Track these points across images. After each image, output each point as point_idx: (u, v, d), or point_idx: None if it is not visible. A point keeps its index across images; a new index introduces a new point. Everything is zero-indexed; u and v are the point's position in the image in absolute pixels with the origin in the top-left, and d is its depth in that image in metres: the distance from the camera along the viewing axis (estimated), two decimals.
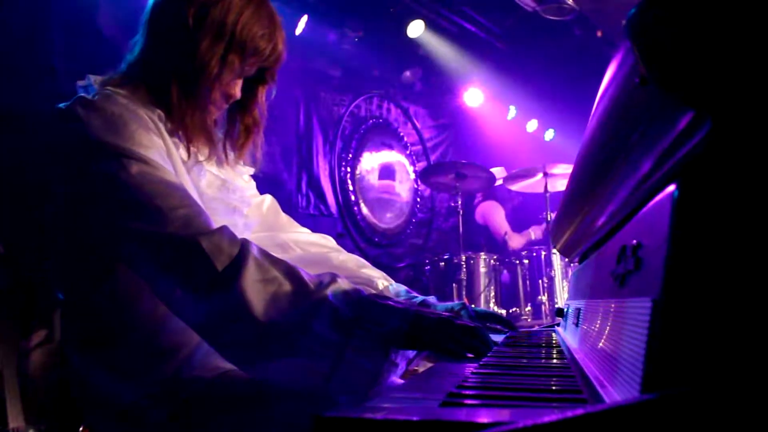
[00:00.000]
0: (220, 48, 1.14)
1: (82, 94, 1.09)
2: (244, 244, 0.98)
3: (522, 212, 5.40)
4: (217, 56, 1.14)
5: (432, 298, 1.38)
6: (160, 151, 1.07)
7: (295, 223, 1.52)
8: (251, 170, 1.40)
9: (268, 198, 1.49)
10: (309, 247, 1.47)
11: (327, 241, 1.51)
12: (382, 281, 1.45)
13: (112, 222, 1.01)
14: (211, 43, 1.13)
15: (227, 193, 1.27)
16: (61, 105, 1.07)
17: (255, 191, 1.44)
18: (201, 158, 1.21)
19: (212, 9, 1.13)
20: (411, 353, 1.03)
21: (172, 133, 1.15)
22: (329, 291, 0.97)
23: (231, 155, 1.32)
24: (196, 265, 0.96)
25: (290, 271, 0.99)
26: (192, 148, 1.18)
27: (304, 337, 0.93)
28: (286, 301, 0.95)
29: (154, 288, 1.02)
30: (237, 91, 1.22)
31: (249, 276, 0.94)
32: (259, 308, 0.93)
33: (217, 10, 1.14)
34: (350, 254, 1.51)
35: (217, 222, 1.03)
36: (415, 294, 1.41)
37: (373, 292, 1.40)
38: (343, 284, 1.00)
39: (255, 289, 0.94)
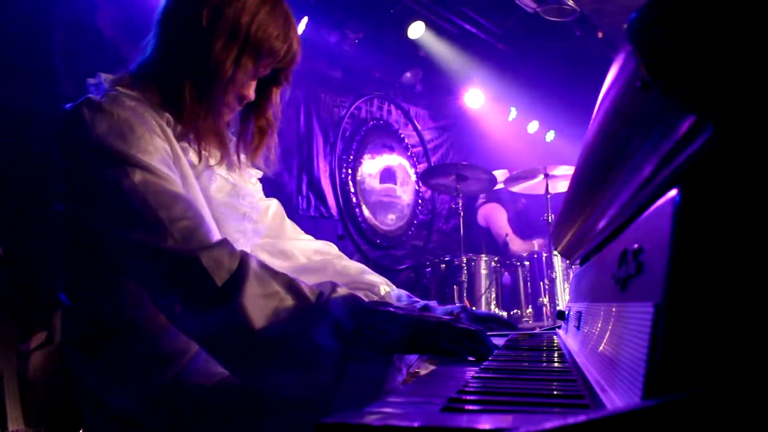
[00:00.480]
0: (235, 49, 1.12)
1: (90, 96, 1.07)
2: (244, 258, 0.97)
3: (525, 216, 5.40)
4: (231, 57, 1.11)
5: (433, 303, 1.38)
6: (166, 157, 1.06)
7: (299, 230, 1.52)
8: (259, 173, 1.38)
9: (274, 203, 1.48)
10: (312, 255, 1.47)
11: (330, 248, 1.51)
12: (384, 287, 1.45)
13: (113, 231, 1.00)
14: (225, 44, 1.11)
15: (237, 198, 1.25)
16: (68, 105, 1.06)
17: (262, 194, 1.43)
18: (212, 162, 1.19)
19: (226, 9, 1.11)
20: (412, 358, 1.03)
21: (181, 137, 1.13)
22: (330, 302, 0.97)
23: (243, 157, 1.30)
24: (195, 282, 0.95)
25: (290, 285, 0.98)
26: (203, 152, 1.16)
27: (307, 350, 0.93)
28: (287, 315, 0.95)
29: (154, 300, 1.01)
30: (251, 92, 1.20)
31: (250, 291, 0.94)
32: (260, 324, 0.93)
33: (232, 10, 1.11)
34: (352, 261, 1.51)
35: (225, 228, 1.02)
36: (417, 299, 1.41)
37: (375, 298, 1.40)
38: (343, 293, 1.00)
39: (256, 305, 0.94)
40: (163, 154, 1.06)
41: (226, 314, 0.93)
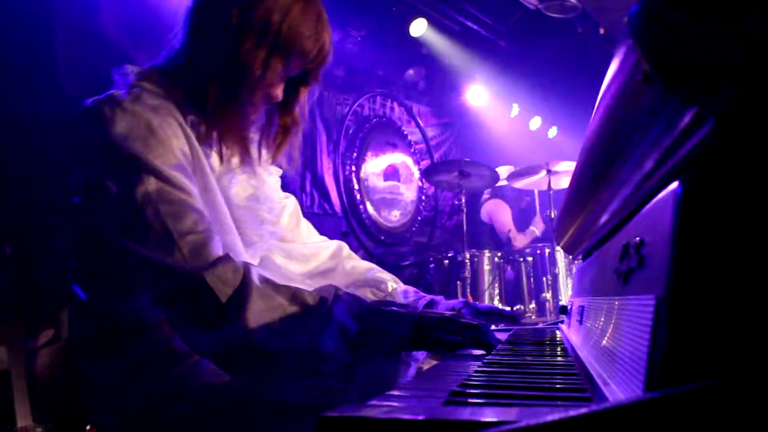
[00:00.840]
0: (264, 49, 1.08)
1: (112, 92, 1.04)
2: (246, 274, 0.97)
3: (530, 213, 5.39)
4: (260, 57, 1.07)
5: (439, 298, 1.39)
6: (184, 163, 1.04)
7: (313, 231, 1.52)
8: (279, 171, 1.37)
9: (291, 203, 1.47)
10: (326, 258, 1.47)
11: (342, 250, 1.52)
12: (391, 283, 1.46)
13: (121, 237, 0.98)
14: (254, 43, 1.07)
15: (257, 203, 1.23)
16: (89, 101, 1.03)
17: (281, 191, 1.42)
18: (234, 162, 1.17)
19: (257, 7, 1.07)
20: (420, 354, 1.03)
21: (205, 139, 1.11)
22: (333, 307, 0.97)
23: (264, 154, 1.27)
24: (201, 301, 0.95)
25: (293, 296, 0.98)
26: (225, 152, 1.14)
27: (314, 358, 0.94)
28: (292, 326, 0.95)
29: (159, 310, 1.01)
30: (279, 92, 1.16)
31: (254, 307, 0.94)
32: (267, 338, 0.93)
33: (262, 8, 1.07)
34: (362, 260, 1.52)
35: (244, 231, 1.01)
36: (423, 294, 1.42)
37: (383, 294, 1.41)
38: (345, 297, 1.00)
39: (261, 319, 0.94)
40: (182, 159, 1.03)
41: (231, 331, 0.93)
